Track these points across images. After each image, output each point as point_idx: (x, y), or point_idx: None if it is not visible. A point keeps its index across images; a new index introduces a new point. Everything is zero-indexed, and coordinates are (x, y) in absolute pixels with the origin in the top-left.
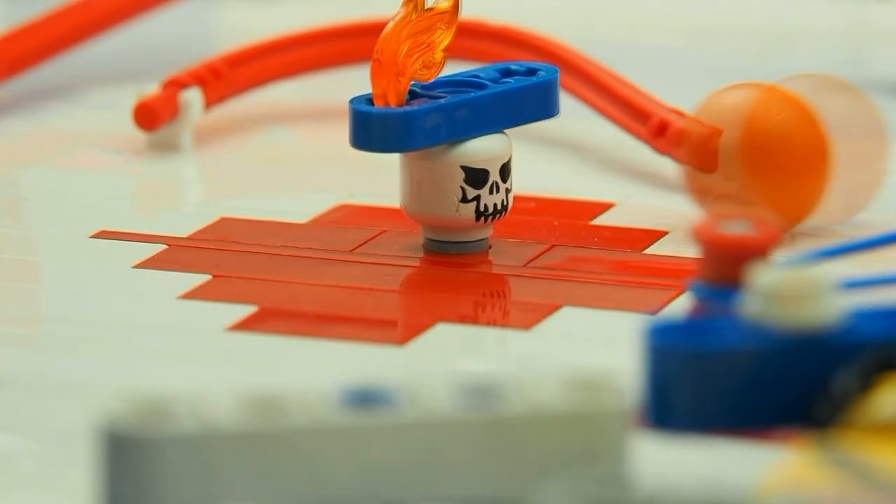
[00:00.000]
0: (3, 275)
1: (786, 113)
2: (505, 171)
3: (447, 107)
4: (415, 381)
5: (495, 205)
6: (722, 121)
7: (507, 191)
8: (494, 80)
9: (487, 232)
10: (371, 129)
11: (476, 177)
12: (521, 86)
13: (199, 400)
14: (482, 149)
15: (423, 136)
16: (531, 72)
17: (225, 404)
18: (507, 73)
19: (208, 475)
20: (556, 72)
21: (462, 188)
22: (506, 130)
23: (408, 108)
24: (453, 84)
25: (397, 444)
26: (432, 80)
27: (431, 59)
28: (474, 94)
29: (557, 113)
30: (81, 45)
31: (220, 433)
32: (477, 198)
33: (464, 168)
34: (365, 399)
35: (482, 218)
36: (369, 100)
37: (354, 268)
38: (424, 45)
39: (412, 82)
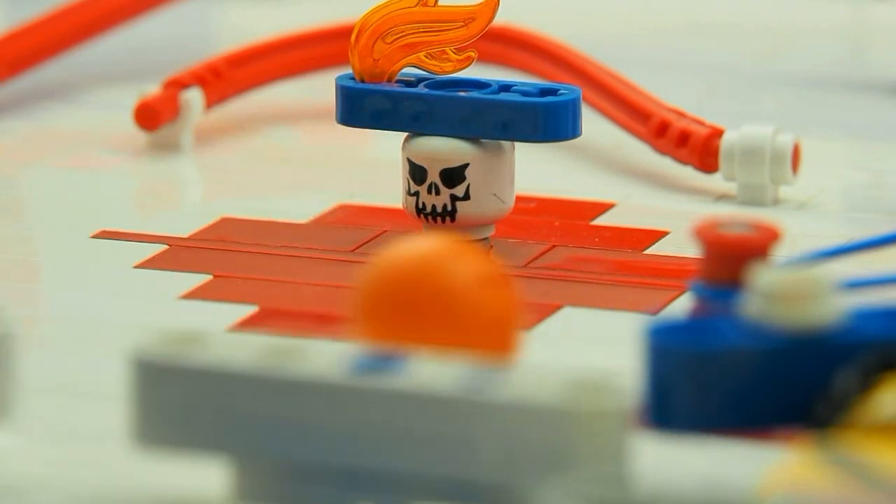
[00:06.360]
0: (3, 275)
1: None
2: (449, 177)
3: (395, 94)
4: (424, 357)
5: (434, 206)
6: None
7: (455, 197)
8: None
9: (488, 232)
10: (336, 101)
11: (415, 172)
12: (486, 99)
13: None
14: (424, 147)
15: (369, 117)
16: (546, 93)
17: (244, 348)
18: (548, 91)
19: (218, 411)
20: (552, 99)
21: (408, 180)
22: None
23: (354, 85)
24: (462, 83)
25: (399, 412)
26: (446, 74)
27: (445, 53)
28: (428, 92)
29: (526, 139)
30: (81, 45)
31: (234, 371)
32: (417, 193)
33: (408, 160)
34: (378, 366)
35: (421, 216)
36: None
37: (354, 268)
38: (429, 34)
39: (418, 72)
